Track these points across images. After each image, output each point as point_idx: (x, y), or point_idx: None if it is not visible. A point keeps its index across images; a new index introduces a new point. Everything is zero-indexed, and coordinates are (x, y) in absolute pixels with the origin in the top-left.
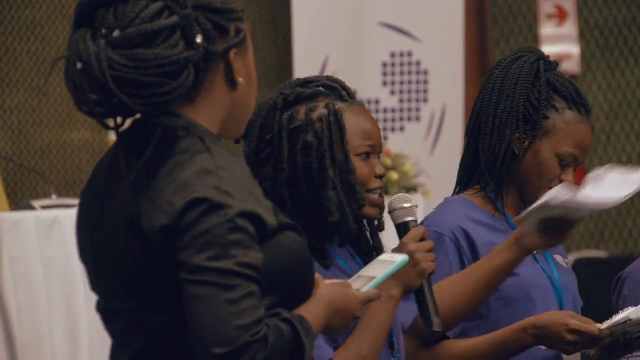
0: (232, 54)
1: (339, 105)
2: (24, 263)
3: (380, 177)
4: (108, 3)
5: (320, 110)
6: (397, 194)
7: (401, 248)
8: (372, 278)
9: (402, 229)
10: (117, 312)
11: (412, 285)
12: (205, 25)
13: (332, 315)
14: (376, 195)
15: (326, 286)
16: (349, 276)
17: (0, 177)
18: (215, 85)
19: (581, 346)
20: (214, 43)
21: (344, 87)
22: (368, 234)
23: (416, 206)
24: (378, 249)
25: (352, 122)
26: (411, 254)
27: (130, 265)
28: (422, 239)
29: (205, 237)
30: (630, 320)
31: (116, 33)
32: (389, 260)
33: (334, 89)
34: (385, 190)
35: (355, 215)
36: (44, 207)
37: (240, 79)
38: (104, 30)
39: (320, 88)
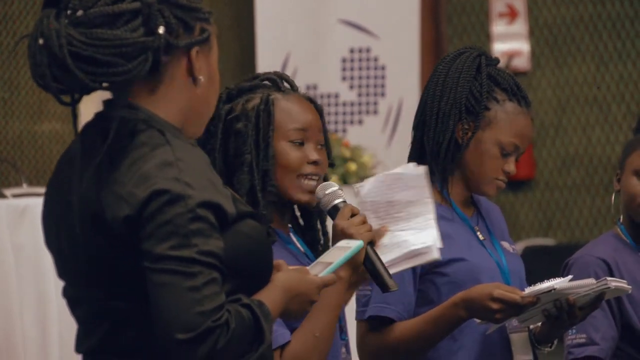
0: (194, 52)
1: (274, 95)
2: None
3: (315, 163)
4: None
5: (256, 100)
6: (320, 184)
7: (335, 229)
8: (329, 264)
9: (333, 212)
10: (82, 299)
11: (355, 259)
12: (169, 18)
13: (289, 300)
14: (308, 181)
15: (283, 272)
16: (292, 254)
17: None
18: (176, 80)
19: (507, 314)
20: (177, 37)
21: (286, 80)
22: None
23: (340, 189)
24: (324, 237)
25: (286, 111)
26: (344, 231)
27: (94, 255)
28: (353, 215)
29: (168, 227)
30: (554, 289)
31: (79, 13)
32: (345, 247)
33: (274, 82)
34: (344, 180)
35: (281, 200)
36: (15, 196)
37: (201, 77)
38: (69, 11)
39: (263, 82)
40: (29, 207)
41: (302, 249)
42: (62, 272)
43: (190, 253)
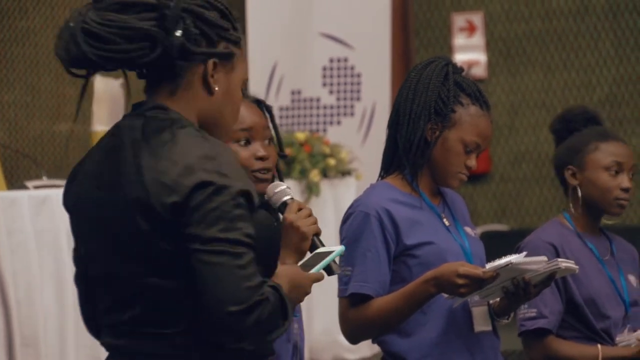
0: (210, 62)
1: None
2: (19, 234)
3: (262, 159)
4: None
5: None
6: (270, 185)
7: (284, 222)
8: (315, 265)
9: (283, 208)
10: (119, 276)
11: (301, 249)
12: (189, 27)
13: (291, 289)
14: (260, 174)
15: (286, 266)
16: None
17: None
18: (193, 86)
19: (471, 288)
20: (196, 46)
21: None
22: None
23: (288, 187)
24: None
25: None
26: (292, 223)
27: (135, 235)
28: (300, 209)
29: (216, 213)
30: (511, 263)
31: (104, 2)
32: (328, 251)
33: None
34: (324, 174)
35: None
36: (36, 187)
37: (216, 87)
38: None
39: None
40: (48, 197)
41: None
42: (91, 252)
43: (237, 235)
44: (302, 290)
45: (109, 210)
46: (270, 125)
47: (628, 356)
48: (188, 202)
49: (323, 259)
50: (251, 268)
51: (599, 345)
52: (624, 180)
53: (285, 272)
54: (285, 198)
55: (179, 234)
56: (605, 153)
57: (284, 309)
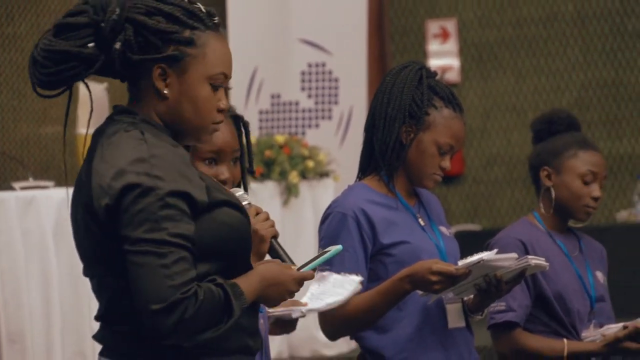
0: (156, 68)
1: None
2: (6, 234)
3: (224, 182)
4: None
5: None
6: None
7: None
8: (310, 263)
9: None
10: (92, 275)
11: (261, 251)
12: (130, 37)
13: (266, 287)
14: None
15: (265, 263)
16: None
17: None
18: (148, 91)
19: (444, 284)
20: (139, 54)
21: None
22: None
23: (245, 193)
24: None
25: None
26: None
27: (91, 237)
28: (257, 214)
29: (141, 214)
30: (483, 260)
31: None
32: (326, 251)
33: None
34: (303, 175)
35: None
36: (23, 188)
37: (165, 92)
38: None
39: None
40: (34, 198)
41: None
42: (78, 251)
43: (161, 235)
44: (283, 288)
45: (76, 214)
46: (244, 140)
47: (593, 351)
48: (118, 204)
49: (319, 257)
50: (177, 267)
51: (565, 340)
52: (595, 190)
53: (259, 270)
54: (243, 204)
55: (117, 235)
56: (583, 161)
57: (228, 306)
